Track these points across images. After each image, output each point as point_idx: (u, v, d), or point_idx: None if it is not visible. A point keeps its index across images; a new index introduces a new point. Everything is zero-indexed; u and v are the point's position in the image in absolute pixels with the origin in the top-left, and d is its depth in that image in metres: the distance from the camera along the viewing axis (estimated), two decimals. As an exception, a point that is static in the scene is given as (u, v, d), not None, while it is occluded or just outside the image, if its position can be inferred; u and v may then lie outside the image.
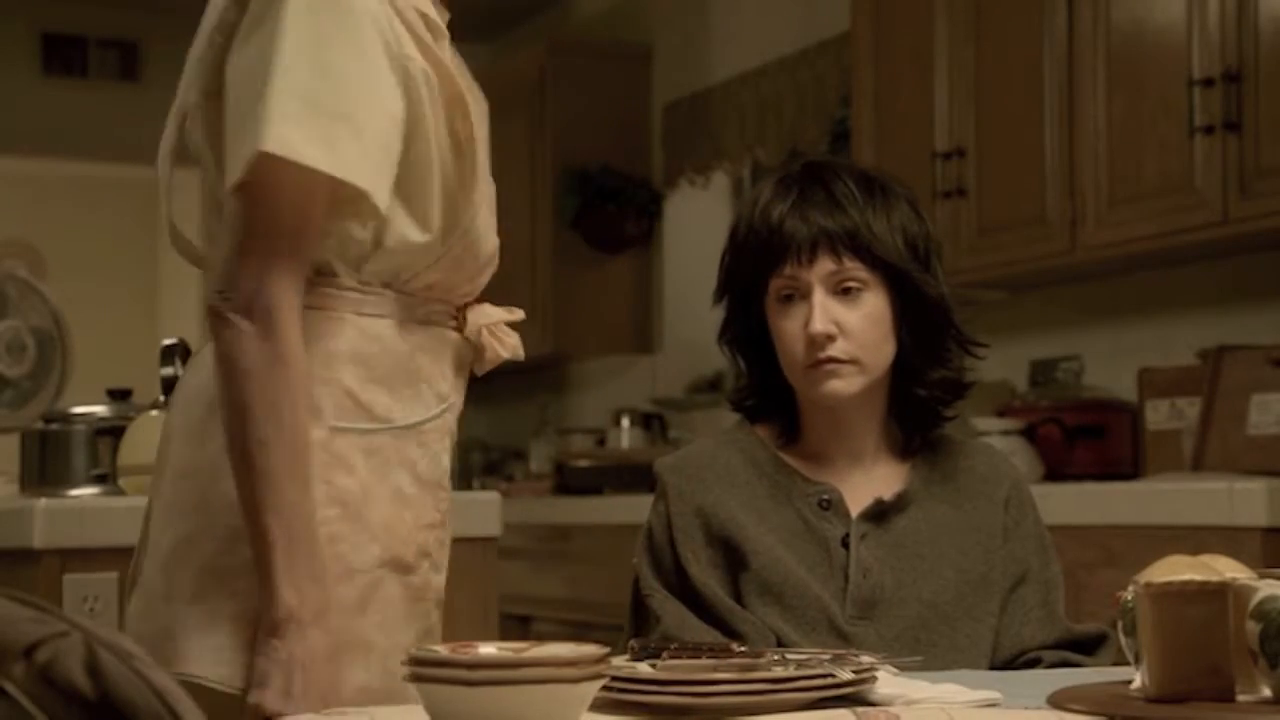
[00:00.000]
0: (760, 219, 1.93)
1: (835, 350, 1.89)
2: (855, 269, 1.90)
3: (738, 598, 1.88)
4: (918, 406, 1.98)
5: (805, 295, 1.90)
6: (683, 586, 1.90)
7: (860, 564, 1.89)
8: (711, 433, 2.09)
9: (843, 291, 1.90)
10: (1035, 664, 1.90)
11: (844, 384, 1.90)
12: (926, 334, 1.94)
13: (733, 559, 1.90)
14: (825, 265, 1.89)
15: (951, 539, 1.93)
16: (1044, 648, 1.92)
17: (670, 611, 1.88)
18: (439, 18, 1.79)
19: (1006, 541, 1.95)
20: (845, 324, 1.89)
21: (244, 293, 1.63)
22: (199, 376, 1.74)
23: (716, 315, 2.04)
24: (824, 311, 1.89)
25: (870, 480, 1.96)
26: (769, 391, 1.99)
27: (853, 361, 1.90)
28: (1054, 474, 4.01)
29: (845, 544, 1.91)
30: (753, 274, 1.94)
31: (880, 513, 1.93)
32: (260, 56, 1.65)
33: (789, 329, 1.91)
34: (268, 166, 1.62)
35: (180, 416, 1.77)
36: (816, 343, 1.89)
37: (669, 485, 1.95)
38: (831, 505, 1.92)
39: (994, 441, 3.58)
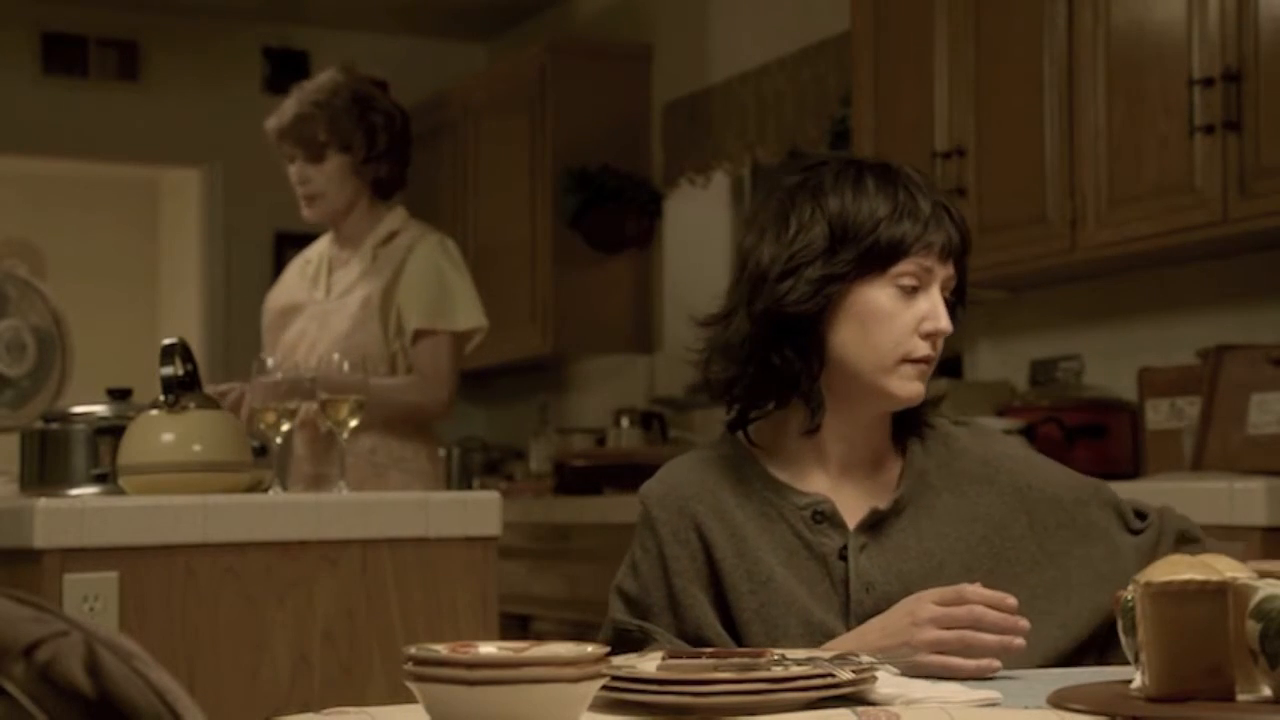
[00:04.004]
0: (907, 200, 1.84)
1: (935, 351, 1.87)
2: (952, 280, 1.88)
3: (734, 631, 1.81)
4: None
5: (925, 289, 1.85)
6: (677, 623, 1.83)
7: (861, 578, 1.83)
8: (698, 446, 2.00)
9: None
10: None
11: (924, 387, 1.88)
12: None
13: (729, 596, 1.82)
14: (949, 269, 1.87)
15: (956, 529, 1.87)
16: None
17: (662, 636, 1.82)
18: None
19: (1033, 528, 1.89)
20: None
21: None
22: None
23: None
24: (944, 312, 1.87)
25: (863, 485, 1.89)
26: (778, 395, 1.89)
27: (930, 365, 1.88)
28: (1054, 474, 4.01)
29: (844, 556, 1.84)
30: (884, 247, 1.83)
31: (878, 522, 1.86)
32: None
33: (903, 318, 1.84)
34: None
35: None
36: (933, 340, 1.85)
37: (658, 521, 1.87)
38: (826, 517, 1.86)
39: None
